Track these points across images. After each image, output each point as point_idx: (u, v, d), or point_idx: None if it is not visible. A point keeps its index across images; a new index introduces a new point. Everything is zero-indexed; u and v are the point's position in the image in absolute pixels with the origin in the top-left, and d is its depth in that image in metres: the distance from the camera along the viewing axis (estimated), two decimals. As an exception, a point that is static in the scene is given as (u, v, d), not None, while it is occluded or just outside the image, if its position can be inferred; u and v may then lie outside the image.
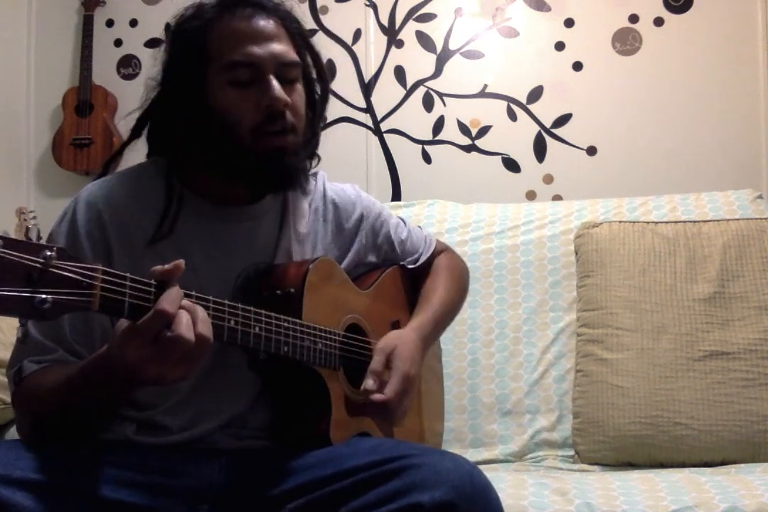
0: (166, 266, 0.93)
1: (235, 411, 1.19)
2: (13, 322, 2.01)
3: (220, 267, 0.98)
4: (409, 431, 1.40)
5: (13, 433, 1.84)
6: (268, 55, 1.15)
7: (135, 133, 1.24)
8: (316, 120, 1.28)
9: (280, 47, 1.17)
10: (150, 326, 0.89)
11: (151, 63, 1.22)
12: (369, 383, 1.20)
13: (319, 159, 1.34)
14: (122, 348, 0.90)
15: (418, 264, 1.51)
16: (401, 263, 1.50)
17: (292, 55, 1.19)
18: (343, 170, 1.68)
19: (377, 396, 1.19)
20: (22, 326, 0.81)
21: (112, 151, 2.72)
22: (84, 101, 2.75)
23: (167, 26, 1.21)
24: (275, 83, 1.15)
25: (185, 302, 0.92)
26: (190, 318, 0.91)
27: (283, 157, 1.17)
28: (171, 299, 0.90)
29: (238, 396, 1.19)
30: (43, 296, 0.79)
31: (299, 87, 1.21)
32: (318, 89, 1.28)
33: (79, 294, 0.83)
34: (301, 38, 1.23)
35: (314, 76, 1.27)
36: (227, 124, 1.15)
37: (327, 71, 1.29)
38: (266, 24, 1.17)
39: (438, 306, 1.44)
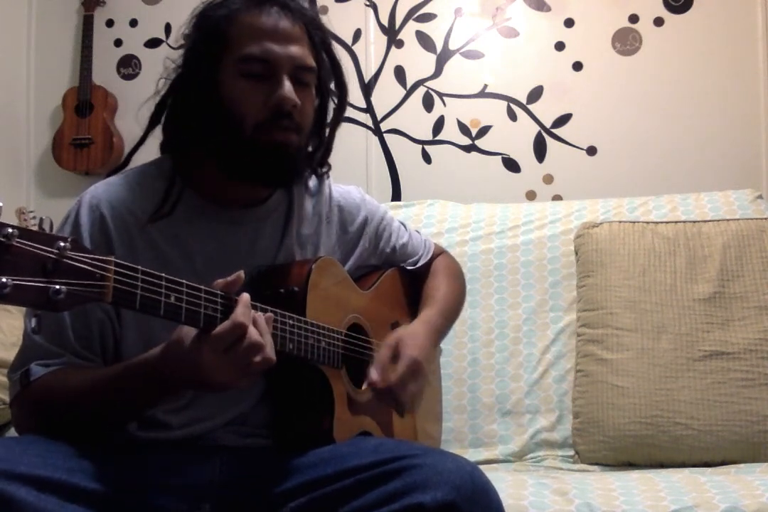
0: (229, 278, 0.99)
1: (239, 411, 1.19)
2: (13, 322, 2.00)
3: (223, 269, 0.99)
4: (401, 432, 1.40)
5: (13, 433, 1.83)
6: (285, 55, 1.16)
7: (155, 119, 1.23)
8: (330, 128, 1.29)
9: (299, 50, 1.18)
10: (228, 335, 0.95)
11: (172, 44, 1.22)
12: (373, 372, 1.21)
13: (330, 167, 1.35)
14: (198, 353, 0.94)
15: (417, 266, 1.52)
16: (401, 265, 1.50)
17: (310, 61, 1.19)
18: (343, 170, 1.67)
19: (379, 383, 1.21)
20: (35, 317, 0.81)
21: (111, 151, 2.72)
22: (84, 101, 2.75)
23: (197, 12, 1.20)
24: (287, 83, 1.16)
25: (256, 315, 0.99)
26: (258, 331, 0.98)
27: (285, 152, 1.17)
28: (246, 312, 0.97)
29: (242, 397, 1.19)
30: (58, 286, 0.79)
31: (312, 92, 1.22)
32: (335, 98, 1.28)
33: (93, 285, 0.84)
34: (322, 46, 1.23)
35: (332, 85, 1.27)
36: (233, 114, 1.15)
37: (346, 82, 1.29)
38: (290, 26, 1.18)
39: (443, 301, 1.45)
